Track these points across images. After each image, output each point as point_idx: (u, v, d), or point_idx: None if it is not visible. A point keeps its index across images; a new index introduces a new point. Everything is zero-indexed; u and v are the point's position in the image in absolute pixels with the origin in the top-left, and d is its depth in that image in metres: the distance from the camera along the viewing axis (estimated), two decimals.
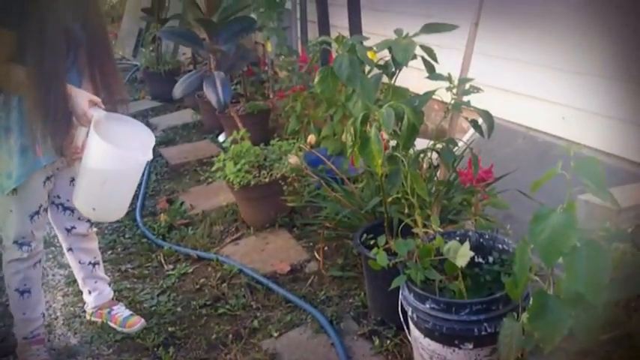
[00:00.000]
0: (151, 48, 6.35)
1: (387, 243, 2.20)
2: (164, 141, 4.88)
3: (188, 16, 4.18)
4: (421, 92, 2.24)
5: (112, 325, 2.62)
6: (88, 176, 2.14)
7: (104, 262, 3.03)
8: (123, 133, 2.17)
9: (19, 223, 2.24)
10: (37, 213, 2.26)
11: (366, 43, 2.37)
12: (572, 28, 2.82)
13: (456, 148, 2.39)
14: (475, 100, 2.27)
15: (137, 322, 2.59)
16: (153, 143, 2.22)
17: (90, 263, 2.60)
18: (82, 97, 2.10)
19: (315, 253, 3.01)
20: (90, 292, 2.65)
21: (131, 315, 2.62)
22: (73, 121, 2.13)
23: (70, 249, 2.57)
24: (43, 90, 2.02)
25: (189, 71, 5.29)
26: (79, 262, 2.59)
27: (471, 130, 2.97)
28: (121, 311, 2.64)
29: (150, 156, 2.18)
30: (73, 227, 2.49)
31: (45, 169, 2.22)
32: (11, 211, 2.21)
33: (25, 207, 2.23)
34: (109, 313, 2.63)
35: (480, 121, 2.29)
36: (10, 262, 2.32)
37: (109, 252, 3.25)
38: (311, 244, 3.12)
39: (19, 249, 2.28)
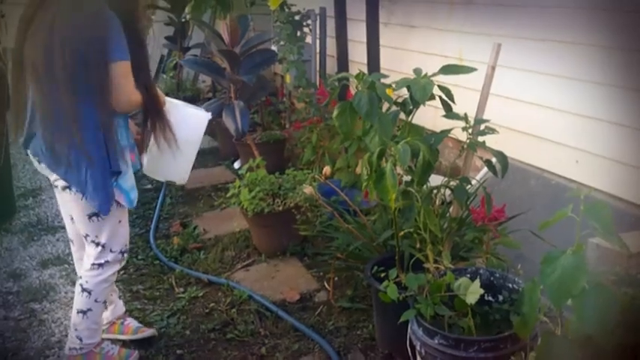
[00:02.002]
0: (171, 74, 6.48)
1: (397, 276, 2.22)
2: None
3: (211, 46, 4.28)
4: (436, 129, 2.30)
5: (123, 337, 2.65)
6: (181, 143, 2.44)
7: (116, 281, 3.08)
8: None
9: (127, 233, 2.42)
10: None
11: (385, 80, 2.44)
12: (588, 73, 2.88)
13: (470, 186, 2.43)
14: (490, 139, 2.32)
15: (148, 329, 2.69)
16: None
17: None
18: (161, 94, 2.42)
19: (325, 283, 3.04)
20: (106, 306, 2.66)
21: (141, 325, 2.72)
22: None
23: None
24: (150, 100, 2.29)
25: (209, 98, 5.41)
26: None
27: (485, 169, 3.01)
28: (133, 322, 2.72)
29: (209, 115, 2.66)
30: None
31: None
32: (120, 222, 2.35)
33: (127, 217, 2.42)
34: (122, 324, 2.69)
35: (494, 160, 2.33)
36: (113, 274, 2.43)
37: (122, 272, 3.27)
38: (321, 273, 3.15)
39: (122, 258, 2.43)
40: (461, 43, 3.70)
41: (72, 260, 3.32)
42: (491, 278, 2.13)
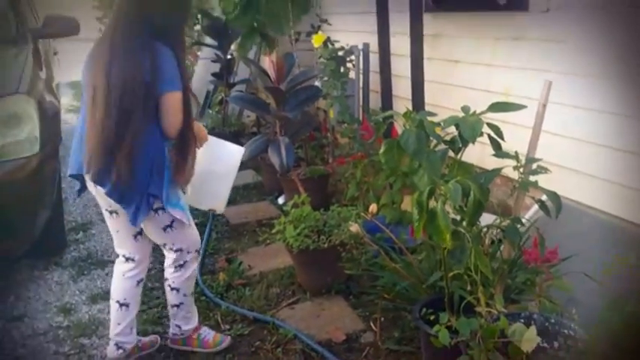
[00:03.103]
0: (217, 110, 6.60)
1: (448, 320, 2.17)
2: None
3: (257, 82, 4.37)
4: (483, 165, 2.26)
5: (202, 350, 2.86)
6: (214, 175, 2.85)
7: (164, 317, 3.11)
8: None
9: (197, 234, 2.75)
10: None
11: (431, 117, 2.43)
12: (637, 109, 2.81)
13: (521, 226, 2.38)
14: (539, 176, 2.28)
15: (224, 337, 2.93)
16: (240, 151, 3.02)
17: None
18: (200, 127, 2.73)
19: (371, 324, 2.99)
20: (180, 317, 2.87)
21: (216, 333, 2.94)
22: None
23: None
24: (188, 132, 2.51)
25: (254, 133, 5.49)
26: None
27: (535, 207, 2.94)
28: (208, 334, 2.92)
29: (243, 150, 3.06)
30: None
31: None
32: (190, 226, 2.68)
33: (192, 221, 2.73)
34: (199, 338, 2.88)
35: (544, 197, 2.28)
36: (193, 270, 2.79)
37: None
38: (367, 313, 3.11)
39: (197, 255, 2.78)
40: (507, 79, 3.66)
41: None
42: (546, 324, 2.06)
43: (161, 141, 2.42)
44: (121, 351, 2.72)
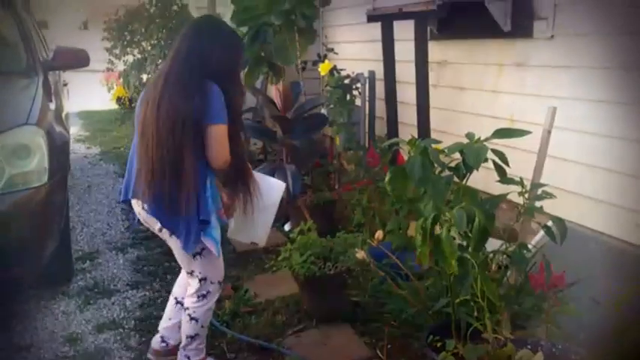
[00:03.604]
0: None
1: (455, 347, 2.16)
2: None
3: (264, 111, 4.42)
4: (488, 189, 2.27)
5: None
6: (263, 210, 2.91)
7: None
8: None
9: (222, 267, 2.80)
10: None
11: (437, 144, 2.44)
12: None
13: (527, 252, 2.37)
14: (545, 200, 2.27)
15: None
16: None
17: None
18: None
19: (378, 351, 2.96)
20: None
21: None
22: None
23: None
24: (239, 165, 2.69)
25: (260, 160, 5.52)
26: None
27: (541, 232, 2.93)
28: None
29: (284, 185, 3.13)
30: None
31: None
32: (218, 258, 2.73)
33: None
34: None
35: (550, 223, 2.28)
36: (214, 302, 2.81)
37: None
38: (374, 340, 3.08)
39: (219, 287, 2.80)
40: (512, 104, 3.69)
41: (126, 325, 3.41)
42: (553, 349, 2.05)
43: (206, 172, 2.55)
44: (164, 344, 2.88)
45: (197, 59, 2.54)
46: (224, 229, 2.82)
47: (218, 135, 2.49)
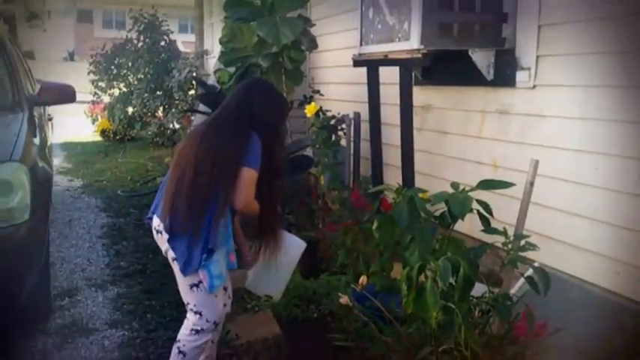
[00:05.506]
0: None
1: None
2: None
3: None
4: (473, 234, 2.29)
5: None
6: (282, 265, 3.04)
7: None
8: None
9: (221, 306, 2.84)
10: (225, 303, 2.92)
11: (421, 186, 2.48)
12: (625, 184, 2.87)
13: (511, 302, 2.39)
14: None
15: None
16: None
17: None
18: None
19: None
20: None
21: None
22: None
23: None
24: (270, 214, 2.90)
25: None
26: None
27: (522, 280, 2.96)
28: None
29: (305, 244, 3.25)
30: None
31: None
32: (216, 297, 2.78)
33: (223, 295, 2.87)
34: None
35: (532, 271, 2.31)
36: (206, 342, 2.82)
37: None
38: None
39: (215, 328, 2.83)
40: (495, 150, 3.75)
41: None
42: None
43: (226, 210, 2.71)
44: None
45: (246, 113, 2.79)
46: (237, 278, 2.99)
47: (247, 178, 2.66)
